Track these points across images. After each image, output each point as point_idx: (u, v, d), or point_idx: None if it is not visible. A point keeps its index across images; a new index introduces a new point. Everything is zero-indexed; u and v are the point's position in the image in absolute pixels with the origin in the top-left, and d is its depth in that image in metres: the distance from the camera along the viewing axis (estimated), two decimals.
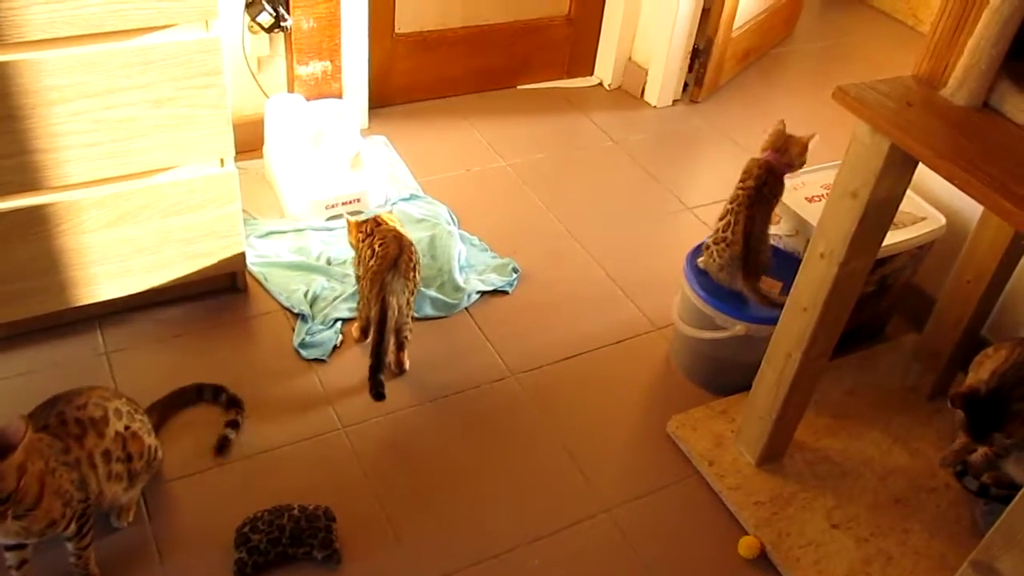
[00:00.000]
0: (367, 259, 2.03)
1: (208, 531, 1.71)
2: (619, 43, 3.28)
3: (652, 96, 3.28)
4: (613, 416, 2.05)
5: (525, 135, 3.03)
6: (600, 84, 3.39)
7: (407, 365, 2.09)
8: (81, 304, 2.04)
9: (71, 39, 1.72)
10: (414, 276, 2.05)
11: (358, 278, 2.10)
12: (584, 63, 3.38)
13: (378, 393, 1.99)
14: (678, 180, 2.89)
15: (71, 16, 1.69)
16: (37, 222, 1.89)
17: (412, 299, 2.05)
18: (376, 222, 2.11)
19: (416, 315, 2.22)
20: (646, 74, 3.27)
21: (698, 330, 2.05)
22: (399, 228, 2.11)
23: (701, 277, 2.05)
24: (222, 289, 2.25)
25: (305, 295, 2.23)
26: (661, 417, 2.03)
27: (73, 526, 1.51)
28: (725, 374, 2.10)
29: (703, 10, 3.15)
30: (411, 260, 2.04)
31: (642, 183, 2.86)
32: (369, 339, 2.05)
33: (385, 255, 2.01)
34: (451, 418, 2.00)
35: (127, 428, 1.61)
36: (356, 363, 2.09)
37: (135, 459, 1.62)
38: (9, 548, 1.50)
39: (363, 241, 2.08)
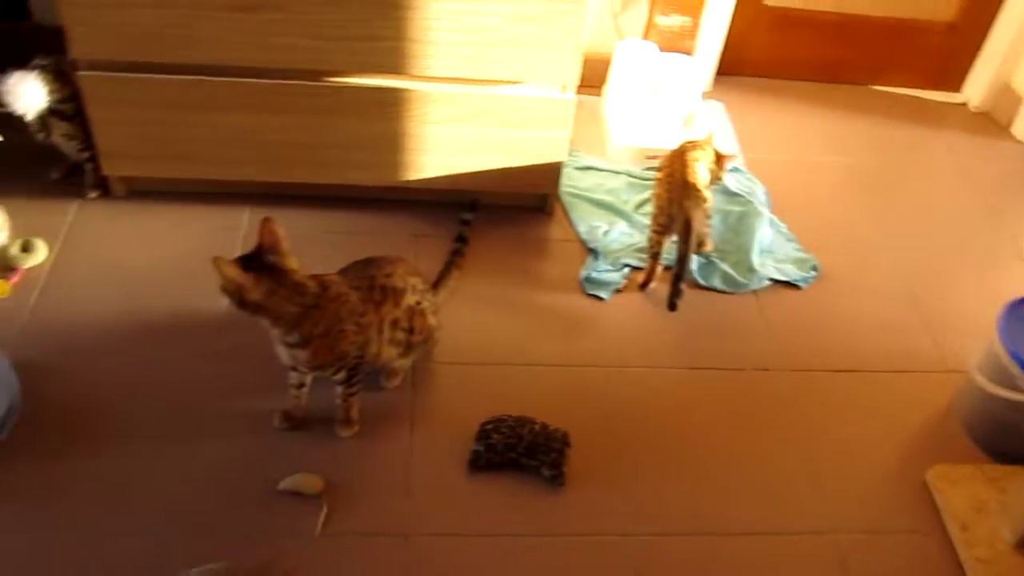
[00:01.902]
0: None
1: (457, 417, 1.84)
2: (1001, 65, 3.00)
3: (1021, 130, 2.98)
4: (870, 443, 1.94)
5: (866, 137, 2.87)
6: (964, 104, 3.13)
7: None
8: (406, 184, 2.24)
9: None
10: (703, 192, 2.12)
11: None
12: (953, 77, 3.13)
13: (671, 303, 2.08)
14: (1022, 225, 2.63)
15: None
16: (393, 103, 2.08)
17: (708, 208, 2.14)
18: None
19: (703, 284, 2.22)
20: (1021, 104, 2.98)
21: (996, 386, 1.88)
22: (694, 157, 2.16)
23: (1016, 331, 1.88)
24: (529, 207, 2.37)
25: (604, 234, 2.30)
26: (922, 461, 1.90)
27: (343, 374, 1.70)
28: (1011, 440, 1.92)
29: None
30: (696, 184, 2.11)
31: (980, 218, 2.63)
32: (651, 284, 2.19)
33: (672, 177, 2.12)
34: (708, 390, 2.00)
35: (418, 303, 1.76)
36: (632, 310, 2.13)
37: (416, 333, 1.77)
38: (292, 368, 1.71)
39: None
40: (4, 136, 2.10)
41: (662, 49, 2.72)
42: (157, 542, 1.59)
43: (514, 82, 2.09)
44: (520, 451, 1.75)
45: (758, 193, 2.49)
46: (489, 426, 1.78)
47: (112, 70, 2.00)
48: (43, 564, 1.55)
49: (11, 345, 1.86)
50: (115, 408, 1.81)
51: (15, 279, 2.02)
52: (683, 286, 2.10)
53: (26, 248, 2.07)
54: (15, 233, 2.12)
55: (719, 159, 2.21)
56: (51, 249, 2.11)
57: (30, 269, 2.06)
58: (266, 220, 1.52)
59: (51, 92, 2.08)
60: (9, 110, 2.06)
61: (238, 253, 1.55)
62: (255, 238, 1.54)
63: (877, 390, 2.06)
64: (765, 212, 2.40)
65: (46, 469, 1.69)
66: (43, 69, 2.07)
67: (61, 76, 2.08)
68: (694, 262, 2.24)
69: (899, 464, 1.91)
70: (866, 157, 2.78)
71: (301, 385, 1.75)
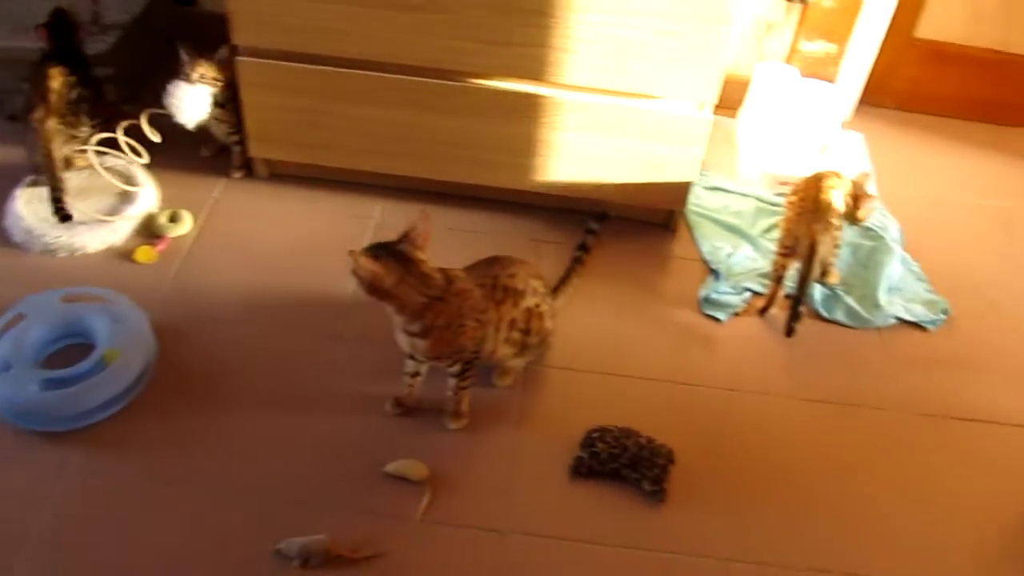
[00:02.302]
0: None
1: (564, 422, 1.86)
2: None
3: None
4: (988, 499, 1.86)
5: (1017, 182, 2.75)
6: None
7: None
8: (533, 189, 2.27)
9: None
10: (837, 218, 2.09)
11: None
12: None
13: (789, 329, 2.06)
14: None
15: None
16: (528, 108, 2.12)
17: (837, 237, 2.11)
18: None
19: (826, 316, 2.18)
20: None
21: None
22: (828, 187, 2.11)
23: None
24: (653, 223, 2.37)
25: (727, 256, 2.28)
26: None
27: (458, 367, 1.74)
28: None
29: None
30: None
31: None
32: (771, 310, 2.16)
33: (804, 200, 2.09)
34: (820, 423, 1.95)
35: (537, 306, 1.79)
36: (749, 334, 2.11)
37: (532, 334, 1.80)
38: (409, 356, 1.76)
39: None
40: (159, 128, 2.25)
41: (804, 75, 2.68)
42: (264, 506, 1.67)
43: (651, 96, 2.09)
44: (623, 462, 1.75)
45: (891, 229, 2.42)
46: (595, 434, 1.79)
47: (268, 58, 2.10)
48: (159, 512, 1.65)
49: (153, 308, 1.97)
50: (239, 376, 1.90)
51: (161, 247, 2.15)
52: (802, 311, 2.06)
53: (173, 219, 2.20)
54: (164, 204, 2.26)
55: (858, 198, 2.15)
56: (196, 221, 2.24)
57: (176, 238, 2.19)
58: (425, 214, 1.60)
59: (214, 98, 2.22)
60: (173, 118, 2.20)
61: (368, 241, 1.62)
62: (387, 228, 1.60)
63: (1001, 444, 1.97)
64: (897, 249, 2.33)
65: (172, 426, 1.79)
66: (204, 79, 2.19)
67: (218, 79, 2.21)
68: (818, 293, 2.20)
69: (1018, 525, 1.83)
70: (1015, 203, 2.66)
71: (416, 374, 1.80)
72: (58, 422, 1.75)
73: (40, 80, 2.13)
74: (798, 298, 2.04)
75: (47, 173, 2.12)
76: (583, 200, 2.30)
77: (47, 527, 1.61)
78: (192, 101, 2.18)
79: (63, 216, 2.11)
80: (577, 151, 2.18)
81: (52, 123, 2.12)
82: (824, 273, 2.17)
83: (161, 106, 2.20)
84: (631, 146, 2.16)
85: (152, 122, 2.25)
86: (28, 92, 2.15)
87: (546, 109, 2.11)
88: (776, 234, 2.20)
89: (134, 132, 2.25)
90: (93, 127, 2.23)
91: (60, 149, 2.15)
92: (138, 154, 2.27)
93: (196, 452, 1.75)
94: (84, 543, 1.60)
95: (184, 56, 2.18)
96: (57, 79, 2.14)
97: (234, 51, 2.12)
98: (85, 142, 2.22)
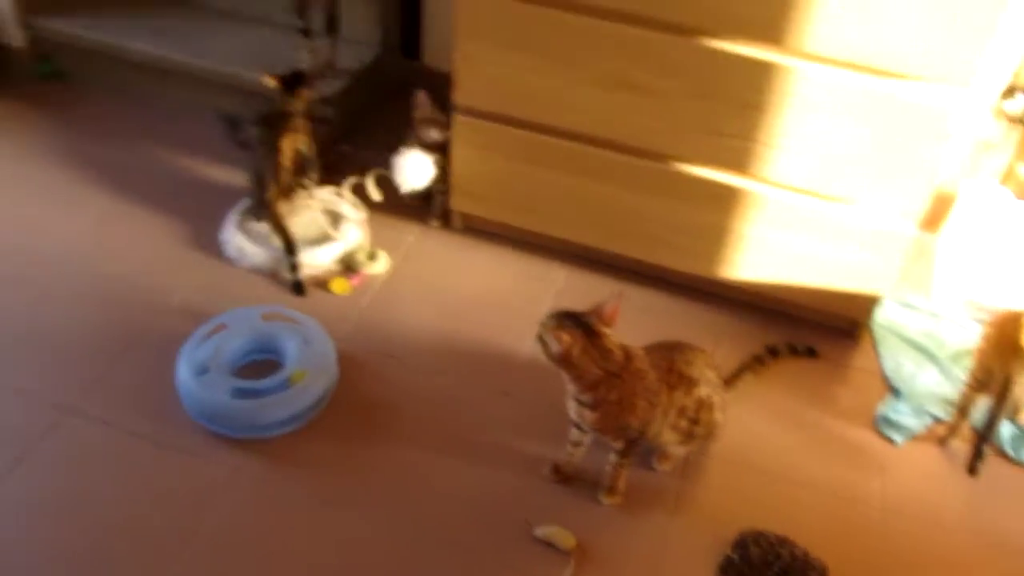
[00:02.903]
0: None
1: (718, 518, 1.83)
2: None
3: None
4: None
5: None
6: None
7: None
8: (717, 279, 2.27)
9: (830, 60, 1.88)
10: None
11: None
12: None
13: (972, 467, 1.96)
14: None
15: (839, 42, 1.84)
16: (726, 198, 2.12)
17: None
18: None
19: (1014, 457, 2.05)
20: None
21: None
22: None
23: None
24: (835, 328, 2.31)
25: (911, 376, 2.19)
26: None
27: (621, 443, 1.75)
28: None
29: None
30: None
31: None
32: (953, 441, 2.06)
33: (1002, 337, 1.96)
34: (988, 567, 1.83)
35: (708, 397, 1.78)
36: (925, 461, 2.01)
37: (700, 425, 1.78)
38: (575, 425, 1.78)
39: None
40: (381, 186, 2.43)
41: (1018, 198, 2.56)
42: (412, 543, 1.73)
43: (852, 201, 2.06)
44: (775, 571, 1.70)
45: None
46: (749, 537, 1.75)
47: (483, 118, 2.21)
48: (315, 530, 1.73)
49: (339, 337, 2.09)
50: (409, 415, 1.98)
51: (356, 281, 2.28)
52: (988, 450, 1.95)
53: (371, 256, 2.33)
54: (365, 242, 2.39)
55: None
56: (391, 262, 2.36)
57: (370, 275, 2.31)
58: (619, 294, 1.64)
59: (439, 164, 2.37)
60: (396, 183, 2.37)
61: (548, 305, 1.66)
62: (568, 295, 1.64)
63: None
64: None
65: (341, 451, 1.88)
66: (432, 148, 2.33)
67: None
68: (1007, 431, 2.07)
69: None
70: None
71: (578, 444, 1.82)
72: (242, 429, 1.87)
73: (272, 154, 2.23)
74: (985, 436, 1.94)
75: (281, 243, 2.24)
76: (769, 298, 2.28)
77: (213, 527, 1.72)
78: (420, 168, 2.33)
79: (298, 288, 2.24)
80: (770, 248, 2.17)
81: (284, 204, 2.27)
82: (1017, 411, 2.05)
83: (385, 165, 2.35)
84: (826, 250, 2.12)
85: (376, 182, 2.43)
86: (260, 158, 2.25)
87: (745, 202, 2.11)
88: (966, 363, 2.10)
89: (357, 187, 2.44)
90: (316, 173, 2.39)
91: (290, 219, 2.29)
92: (358, 208, 2.43)
93: (359, 480, 1.83)
94: (243, 548, 1.69)
95: (424, 113, 2.33)
96: (287, 153, 2.25)
97: (452, 108, 2.25)
98: (309, 193, 2.38)
